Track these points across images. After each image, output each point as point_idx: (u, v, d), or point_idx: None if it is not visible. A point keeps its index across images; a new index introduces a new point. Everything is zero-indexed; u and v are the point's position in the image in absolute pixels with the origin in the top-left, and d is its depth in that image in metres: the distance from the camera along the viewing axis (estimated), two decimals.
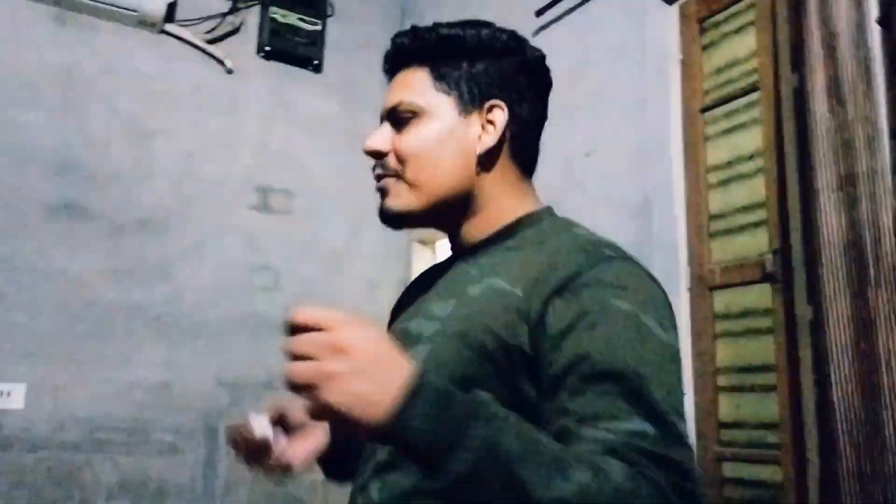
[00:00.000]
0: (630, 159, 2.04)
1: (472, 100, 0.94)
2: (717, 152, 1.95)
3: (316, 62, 3.11)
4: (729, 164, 1.91)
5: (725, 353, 1.85)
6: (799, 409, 1.60)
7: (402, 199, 0.94)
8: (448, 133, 0.94)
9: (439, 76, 0.95)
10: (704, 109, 1.98)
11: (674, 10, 2.09)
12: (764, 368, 1.75)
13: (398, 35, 0.98)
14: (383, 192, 0.96)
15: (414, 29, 0.98)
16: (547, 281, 0.80)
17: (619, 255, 0.85)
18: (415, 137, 0.93)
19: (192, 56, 2.87)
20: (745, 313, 1.82)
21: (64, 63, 2.62)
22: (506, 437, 0.64)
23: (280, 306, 2.85)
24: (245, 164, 2.91)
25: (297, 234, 2.96)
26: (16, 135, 2.51)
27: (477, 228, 0.96)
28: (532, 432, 0.66)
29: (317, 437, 1.00)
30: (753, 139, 1.85)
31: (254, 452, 0.95)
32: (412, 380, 0.64)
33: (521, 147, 0.98)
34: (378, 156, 0.95)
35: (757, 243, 1.80)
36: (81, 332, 2.50)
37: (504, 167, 0.96)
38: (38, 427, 2.40)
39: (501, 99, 0.95)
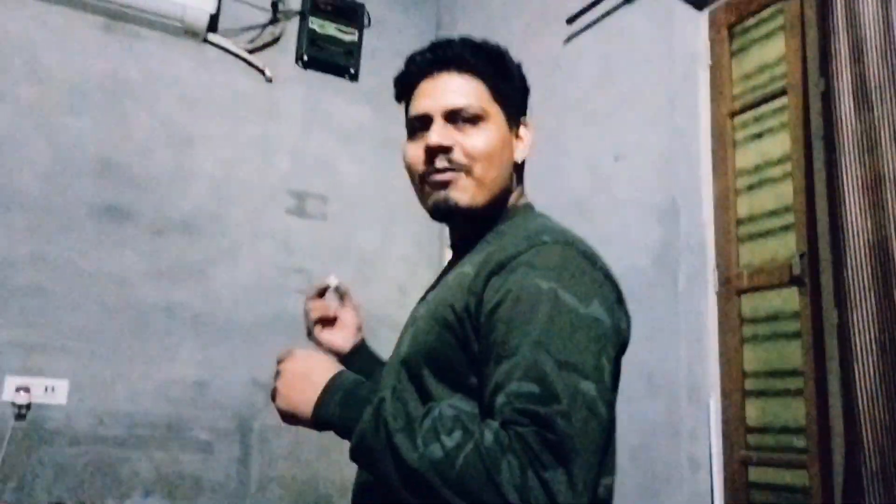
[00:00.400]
0: (658, 163, 2.05)
1: (515, 115, 1.09)
2: (745, 156, 1.95)
3: (352, 71, 3.18)
4: (757, 168, 1.92)
5: (753, 357, 1.85)
6: (826, 413, 1.59)
7: (469, 193, 1.02)
8: (505, 141, 1.06)
9: (495, 90, 1.06)
10: (733, 114, 1.98)
11: (703, 17, 2.10)
12: (791, 372, 1.74)
13: (450, 43, 1.07)
14: (445, 184, 1.02)
15: (468, 41, 1.07)
16: (490, 262, 0.93)
17: (555, 241, 0.93)
18: (485, 138, 1.03)
19: (233, 65, 2.96)
20: (772, 317, 1.82)
21: (110, 70, 2.72)
22: (388, 416, 0.83)
23: None
24: (281, 170, 2.98)
25: (331, 237, 3.02)
26: (63, 139, 2.61)
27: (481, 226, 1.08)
28: (413, 411, 0.84)
29: (339, 338, 1.26)
30: (782, 143, 1.85)
31: (318, 293, 1.25)
32: (326, 385, 0.89)
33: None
34: (442, 151, 1.02)
35: (785, 247, 1.80)
36: (122, 330, 2.58)
37: (519, 174, 1.11)
38: (80, 422, 2.48)
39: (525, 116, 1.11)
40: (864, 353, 1.40)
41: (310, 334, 1.25)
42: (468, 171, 1.02)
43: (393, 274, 3.09)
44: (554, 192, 2.41)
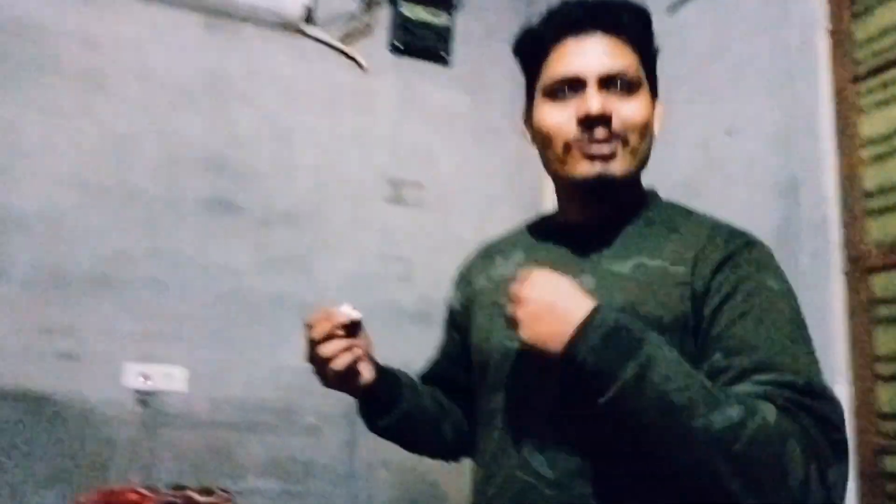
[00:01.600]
0: (775, 137, 1.95)
1: (654, 91, 1.03)
2: (873, 124, 1.82)
3: (445, 56, 3.16)
4: (887, 137, 1.79)
5: (885, 339, 1.73)
6: None
7: (625, 164, 0.96)
8: (652, 113, 1.01)
9: (644, 58, 1.01)
10: (857, 79, 1.86)
11: None
12: None
13: (603, 2, 0.99)
14: (606, 157, 0.95)
15: (629, 7, 1.00)
16: (707, 258, 0.90)
17: (758, 240, 0.95)
18: (641, 108, 0.97)
19: (329, 56, 2.99)
20: None
21: (212, 67, 2.81)
22: (659, 371, 0.75)
23: (414, 295, 2.93)
24: (379, 159, 3.00)
25: (429, 225, 3.03)
26: (172, 137, 2.71)
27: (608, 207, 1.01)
28: (690, 371, 0.77)
29: (366, 372, 1.03)
30: None
31: (331, 331, 0.99)
32: (583, 320, 0.79)
33: None
34: (603, 120, 0.94)
35: None
36: (235, 319, 2.67)
37: None
38: (198, 407, 2.58)
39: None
40: None
41: (331, 383, 1.02)
42: (625, 142, 0.95)
43: None
44: (662, 172, 2.31)
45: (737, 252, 0.90)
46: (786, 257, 1.85)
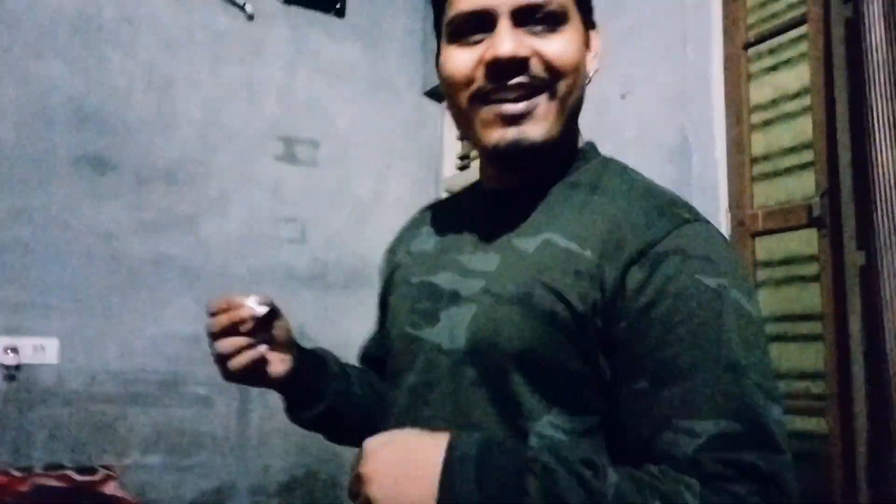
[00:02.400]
0: (668, 100, 1.96)
1: (588, 21, 0.82)
2: (760, 91, 1.85)
3: (338, 5, 3.01)
4: (773, 103, 1.82)
5: (768, 301, 1.79)
6: (846, 358, 1.54)
7: (549, 122, 0.76)
8: (584, 51, 0.80)
9: None
10: (748, 45, 1.88)
11: None
12: (807, 317, 1.69)
13: None
14: (520, 117, 0.75)
15: None
16: (622, 246, 0.71)
17: (694, 217, 0.74)
18: (570, 46, 0.76)
19: (210, 1, 2.79)
20: (788, 260, 1.75)
21: (79, 7, 2.56)
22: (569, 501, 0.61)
23: (307, 258, 2.83)
24: (269, 113, 2.85)
25: (323, 184, 2.91)
26: (35, 85, 2.46)
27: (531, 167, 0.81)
28: (590, 487, 0.62)
29: (278, 364, 0.90)
30: (800, 76, 1.75)
31: (232, 326, 0.86)
32: (444, 467, 0.64)
33: None
34: (517, 65, 0.74)
35: (803, 186, 1.72)
36: (111, 284, 2.50)
37: None
38: (72, 381, 2.42)
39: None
40: (893, 297, 1.34)
41: (232, 379, 0.89)
42: (551, 91, 0.75)
43: (389, 220, 2.99)
44: None
45: (657, 239, 0.70)
46: None
